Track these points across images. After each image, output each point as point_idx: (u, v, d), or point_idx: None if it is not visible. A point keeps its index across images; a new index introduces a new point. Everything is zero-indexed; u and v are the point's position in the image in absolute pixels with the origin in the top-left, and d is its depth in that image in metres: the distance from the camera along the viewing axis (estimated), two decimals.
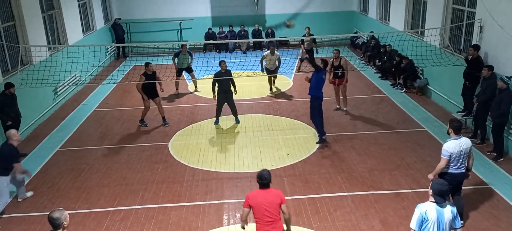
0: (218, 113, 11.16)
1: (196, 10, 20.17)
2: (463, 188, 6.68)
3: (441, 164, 6.19)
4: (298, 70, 15.92)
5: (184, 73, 14.27)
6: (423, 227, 4.63)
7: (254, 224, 5.37)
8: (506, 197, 7.44)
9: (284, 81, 14.75)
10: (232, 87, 10.96)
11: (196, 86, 14.18)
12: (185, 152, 9.66)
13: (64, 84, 13.26)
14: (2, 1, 10.89)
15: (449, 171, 6.25)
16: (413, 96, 12.90)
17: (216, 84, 10.78)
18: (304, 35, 15.81)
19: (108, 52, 18.70)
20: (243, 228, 5.55)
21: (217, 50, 20.11)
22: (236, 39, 19.52)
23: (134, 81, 11.09)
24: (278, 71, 13.70)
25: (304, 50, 15.89)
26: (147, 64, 10.86)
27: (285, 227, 5.42)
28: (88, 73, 15.36)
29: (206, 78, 13.87)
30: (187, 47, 14.08)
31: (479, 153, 8.99)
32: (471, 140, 6.58)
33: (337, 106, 11.99)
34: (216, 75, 10.81)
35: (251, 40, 19.93)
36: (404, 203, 7.36)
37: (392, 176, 8.33)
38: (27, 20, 11.59)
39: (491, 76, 9.02)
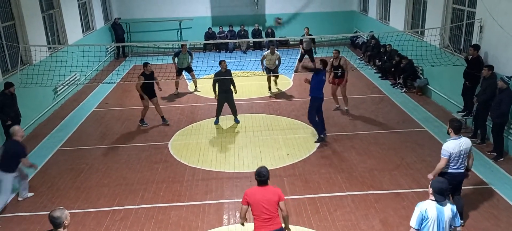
0: (218, 113, 11.16)
1: (196, 9, 20.17)
2: (463, 188, 6.69)
3: (441, 164, 6.19)
4: (297, 70, 15.94)
5: (184, 73, 14.27)
6: (423, 225, 4.63)
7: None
8: (506, 197, 7.44)
9: (284, 81, 14.75)
10: (232, 87, 10.97)
11: (196, 86, 14.18)
12: (185, 152, 9.65)
13: (64, 84, 13.25)
14: (1, 0, 10.88)
15: (449, 170, 6.25)
16: (413, 96, 12.91)
17: (217, 84, 10.78)
18: (303, 35, 15.82)
19: (108, 52, 18.70)
20: (243, 225, 5.56)
21: (217, 50, 20.11)
22: (236, 39, 19.52)
23: (134, 81, 11.09)
24: (278, 70, 13.69)
25: (302, 51, 15.92)
26: (145, 64, 10.88)
27: (283, 224, 5.44)
28: (88, 73, 15.36)
29: (206, 78, 13.87)
30: (187, 47, 14.08)
31: (479, 152, 8.99)
32: (471, 140, 6.59)
33: (337, 105, 11.98)
34: (216, 75, 10.81)
35: (251, 40, 19.92)
36: (404, 203, 7.36)
37: (392, 175, 8.33)
38: (27, 19, 11.59)
39: (491, 76, 9.02)
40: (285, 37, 18.36)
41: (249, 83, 14.28)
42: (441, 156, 6.17)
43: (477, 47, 9.81)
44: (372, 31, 17.14)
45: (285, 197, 5.43)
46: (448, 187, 4.86)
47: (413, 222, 4.66)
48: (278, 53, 13.41)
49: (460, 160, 6.21)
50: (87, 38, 16.25)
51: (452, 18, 11.79)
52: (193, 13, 20.12)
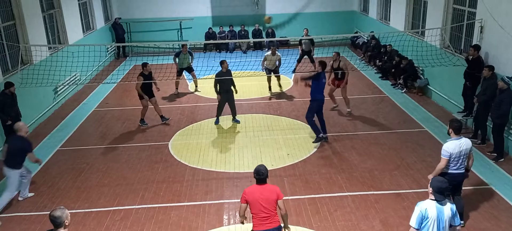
0: (219, 113, 11.16)
1: (196, 9, 20.17)
2: (463, 188, 6.69)
3: (441, 164, 6.18)
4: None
5: (185, 73, 14.28)
6: (423, 225, 4.63)
7: None
8: (506, 198, 7.44)
9: (285, 81, 14.72)
10: (232, 87, 10.97)
11: (196, 86, 14.18)
12: (185, 152, 9.65)
13: (64, 84, 13.26)
14: (2, 0, 10.88)
15: (449, 171, 6.25)
16: (414, 97, 12.90)
17: (218, 85, 10.78)
18: (303, 36, 15.82)
19: (108, 52, 18.70)
20: (243, 223, 5.57)
21: (217, 50, 20.11)
22: (236, 39, 19.53)
23: (134, 81, 11.11)
24: (279, 71, 13.67)
25: (301, 52, 15.94)
26: (145, 64, 10.92)
27: (282, 223, 5.45)
28: (88, 72, 15.37)
29: (206, 78, 13.87)
30: (188, 47, 14.08)
31: (480, 153, 8.99)
32: (471, 140, 6.58)
33: (334, 105, 11.96)
34: (217, 75, 10.81)
35: (251, 40, 19.93)
36: (404, 203, 7.36)
37: (392, 176, 8.33)
38: (27, 19, 11.59)
39: (492, 77, 9.02)
40: (285, 37, 18.35)
41: (250, 83, 14.28)
42: (441, 156, 6.17)
43: (477, 48, 9.81)
44: (372, 32, 17.14)
45: (286, 197, 5.44)
46: (448, 187, 4.86)
47: (413, 222, 4.66)
48: (279, 54, 13.41)
49: (460, 161, 6.21)
50: (87, 38, 16.26)
51: (453, 18, 11.78)
52: (194, 13, 20.13)
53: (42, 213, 7.32)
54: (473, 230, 6.63)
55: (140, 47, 19.89)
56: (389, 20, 16.78)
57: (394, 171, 8.52)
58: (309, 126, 10.01)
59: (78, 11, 15.89)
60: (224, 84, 10.76)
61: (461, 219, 4.98)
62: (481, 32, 10.03)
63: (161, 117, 11.34)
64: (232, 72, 11.10)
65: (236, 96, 11.21)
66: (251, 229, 5.37)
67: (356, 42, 19.69)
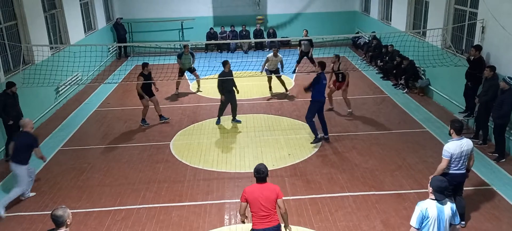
0: (221, 113, 11.18)
1: (197, 10, 20.19)
2: (464, 188, 6.69)
3: (442, 165, 6.18)
4: (295, 71, 15.98)
5: (186, 73, 14.28)
6: (423, 224, 4.63)
7: None
8: (507, 198, 7.43)
9: (286, 81, 14.70)
10: (233, 87, 10.99)
11: (199, 86, 14.17)
12: (187, 152, 9.66)
13: (66, 84, 13.28)
14: (4, 0, 10.91)
15: (450, 171, 6.24)
16: (415, 97, 12.90)
17: (222, 85, 10.78)
18: (302, 37, 15.83)
19: (110, 52, 18.73)
20: (244, 222, 5.59)
21: (219, 50, 20.13)
22: (237, 39, 19.54)
23: (136, 81, 11.13)
24: (280, 72, 13.65)
25: (300, 53, 15.94)
26: (145, 64, 10.95)
27: (282, 222, 5.46)
28: (90, 72, 15.39)
29: (207, 78, 13.88)
30: (189, 47, 14.08)
31: (481, 153, 8.98)
32: (472, 141, 6.58)
33: (330, 106, 11.93)
34: (220, 75, 10.81)
35: (252, 40, 19.94)
36: (405, 204, 7.35)
37: (393, 176, 8.32)
38: (29, 19, 11.61)
39: (493, 77, 9.00)
40: (286, 37, 18.35)
41: (251, 83, 14.29)
42: (443, 156, 6.16)
43: (479, 48, 9.80)
44: (374, 32, 17.13)
45: (287, 198, 5.45)
46: (448, 186, 4.86)
47: (414, 222, 4.66)
48: (280, 56, 13.41)
49: (461, 161, 6.21)
50: (89, 38, 16.28)
51: (454, 18, 11.78)
52: (195, 13, 20.15)
53: (44, 212, 7.34)
54: (474, 230, 6.63)
55: (141, 47, 19.92)
56: (390, 21, 16.77)
57: (395, 171, 8.52)
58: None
59: (80, 11, 15.92)
60: (227, 84, 10.77)
61: (462, 220, 4.98)
62: (482, 32, 10.02)
63: (160, 116, 11.36)
64: (233, 72, 11.11)
65: (237, 97, 11.23)
66: (251, 228, 5.39)
67: (357, 42, 19.68)
